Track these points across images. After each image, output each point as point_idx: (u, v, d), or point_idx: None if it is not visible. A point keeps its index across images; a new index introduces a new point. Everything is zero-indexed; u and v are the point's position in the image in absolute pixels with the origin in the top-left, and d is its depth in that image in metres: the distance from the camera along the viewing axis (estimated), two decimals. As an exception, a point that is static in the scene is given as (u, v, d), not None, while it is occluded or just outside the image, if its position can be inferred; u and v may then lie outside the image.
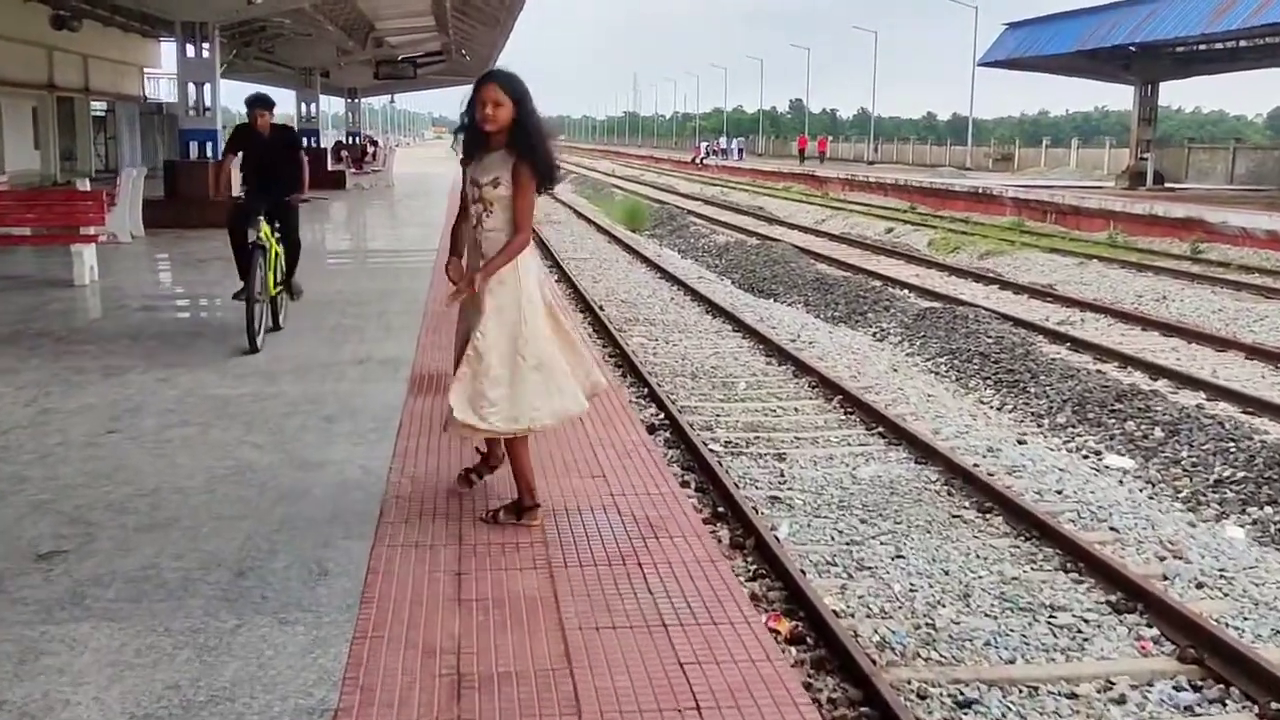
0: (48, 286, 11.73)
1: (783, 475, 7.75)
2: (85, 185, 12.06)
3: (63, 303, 10.89)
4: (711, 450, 8.23)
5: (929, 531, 6.67)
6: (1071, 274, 19.68)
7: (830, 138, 66.17)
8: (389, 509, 4.98)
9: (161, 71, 38.93)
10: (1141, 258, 21.11)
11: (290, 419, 6.49)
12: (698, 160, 69.29)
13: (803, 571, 5.88)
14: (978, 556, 6.26)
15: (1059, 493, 7.46)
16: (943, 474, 7.71)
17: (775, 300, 17.88)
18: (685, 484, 7.38)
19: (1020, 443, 8.84)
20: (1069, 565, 6.11)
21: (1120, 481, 8.11)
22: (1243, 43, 28.85)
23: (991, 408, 10.81)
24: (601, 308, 14.71)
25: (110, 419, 6.48)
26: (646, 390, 9.98)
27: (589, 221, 29.77)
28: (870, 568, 6.11)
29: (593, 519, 4.95)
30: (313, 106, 31.61)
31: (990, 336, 13.02)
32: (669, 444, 8.41)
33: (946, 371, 12.38)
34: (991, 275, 19.53)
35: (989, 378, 11.80)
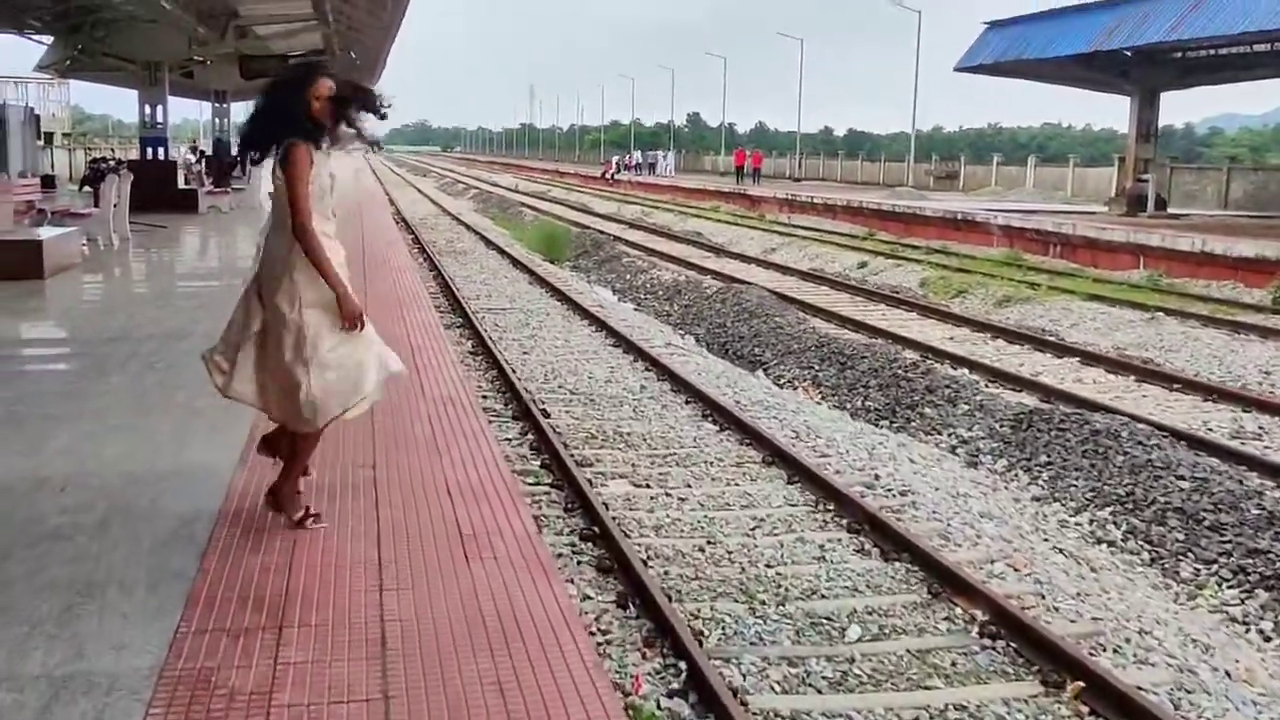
0: None
1: None
2: None
3: None
4: None
5: None
6: (1145, 335, 15.00)
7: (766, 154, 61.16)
8: None
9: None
10: (1215, 309, 16.57)
11: None
12: (608, 175, 64.21)
13: None
14: None
15: None
16: None
17: (766, 372, 13.09)
18: None
19: None
20: None
21: None
22: (1258, 46, 24.86)
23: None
24: (546, 411, 9.52)
25: None
26: (683, 668, 4.82)
27: (500, 251, 24.44)
28: None
29: None
30: (159, 110, 25.62)
31: (1179, 475, 8.21)
32: None
33: (1134, 545, 7.54)
34: (1053, 340, 14.73)
35: (1214, 561, 7.04)
